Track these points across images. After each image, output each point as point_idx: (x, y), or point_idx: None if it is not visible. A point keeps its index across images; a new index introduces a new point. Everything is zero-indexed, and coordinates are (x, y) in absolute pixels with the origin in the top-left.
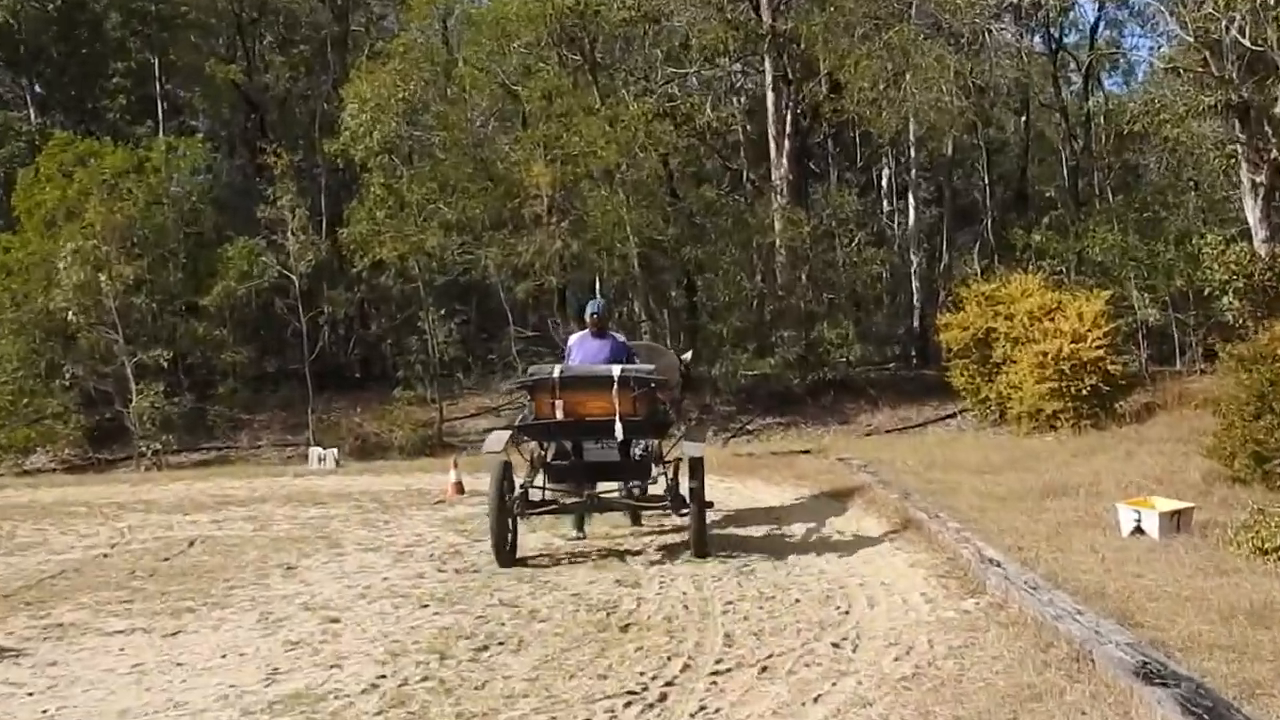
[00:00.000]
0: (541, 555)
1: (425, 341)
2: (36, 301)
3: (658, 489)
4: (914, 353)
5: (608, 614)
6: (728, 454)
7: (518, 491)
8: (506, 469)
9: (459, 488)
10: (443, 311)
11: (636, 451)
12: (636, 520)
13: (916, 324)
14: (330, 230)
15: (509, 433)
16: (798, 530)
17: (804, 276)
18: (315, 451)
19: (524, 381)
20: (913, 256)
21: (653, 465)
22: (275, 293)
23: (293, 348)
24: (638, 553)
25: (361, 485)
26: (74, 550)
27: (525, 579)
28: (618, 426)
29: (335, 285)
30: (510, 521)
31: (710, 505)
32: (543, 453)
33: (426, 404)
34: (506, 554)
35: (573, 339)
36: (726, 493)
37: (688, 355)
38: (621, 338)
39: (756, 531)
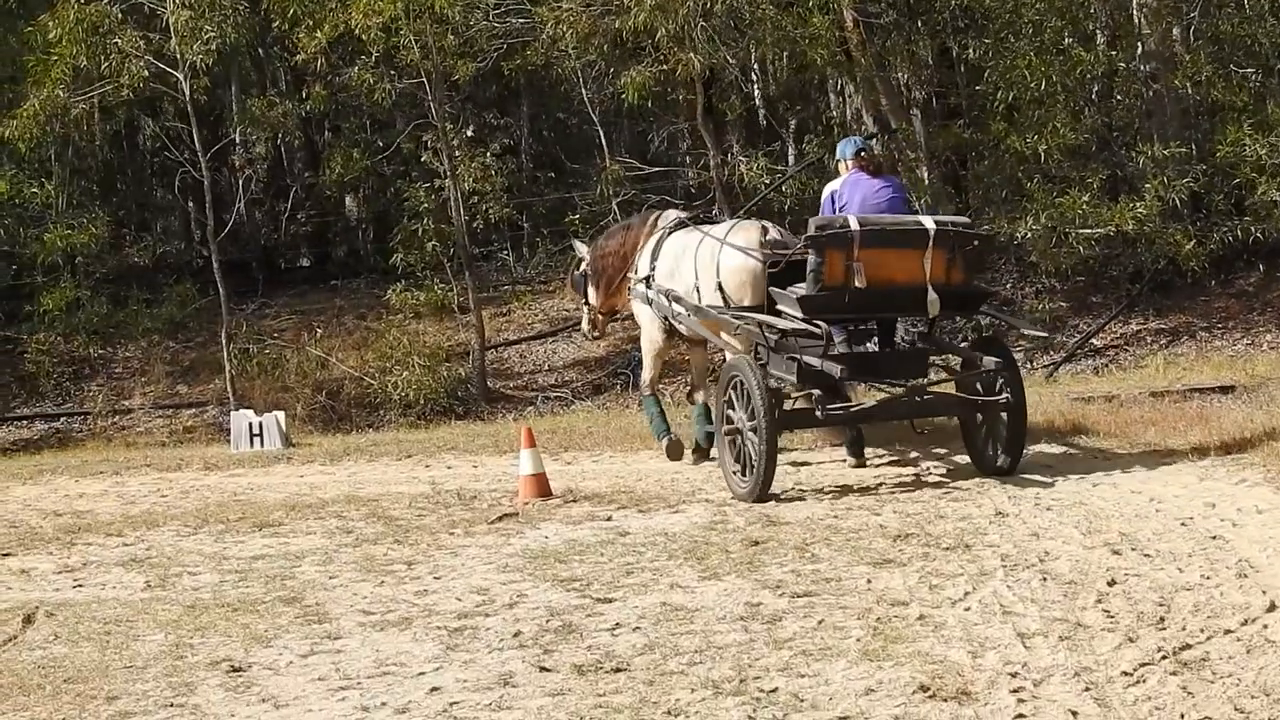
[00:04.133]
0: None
1: (440, 193)
2: None
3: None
4: None
5: None
6: (1059, 395)
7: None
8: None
9: (540, 485)
10: (469, 132)
11: (909, 335)
12: (859, 453)
13: None
14: None
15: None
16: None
17: (1188, 31)
18: (243, 419)
19: (817, 236)
20: None
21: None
22: (146, 109)
23: (178, 213)
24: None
25: (342, 482)
26: None
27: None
28: (932, 297)
29: (259, 89)
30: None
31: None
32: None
33: (451, 314)
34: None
35: (839, 182)
36: (1078, 480)
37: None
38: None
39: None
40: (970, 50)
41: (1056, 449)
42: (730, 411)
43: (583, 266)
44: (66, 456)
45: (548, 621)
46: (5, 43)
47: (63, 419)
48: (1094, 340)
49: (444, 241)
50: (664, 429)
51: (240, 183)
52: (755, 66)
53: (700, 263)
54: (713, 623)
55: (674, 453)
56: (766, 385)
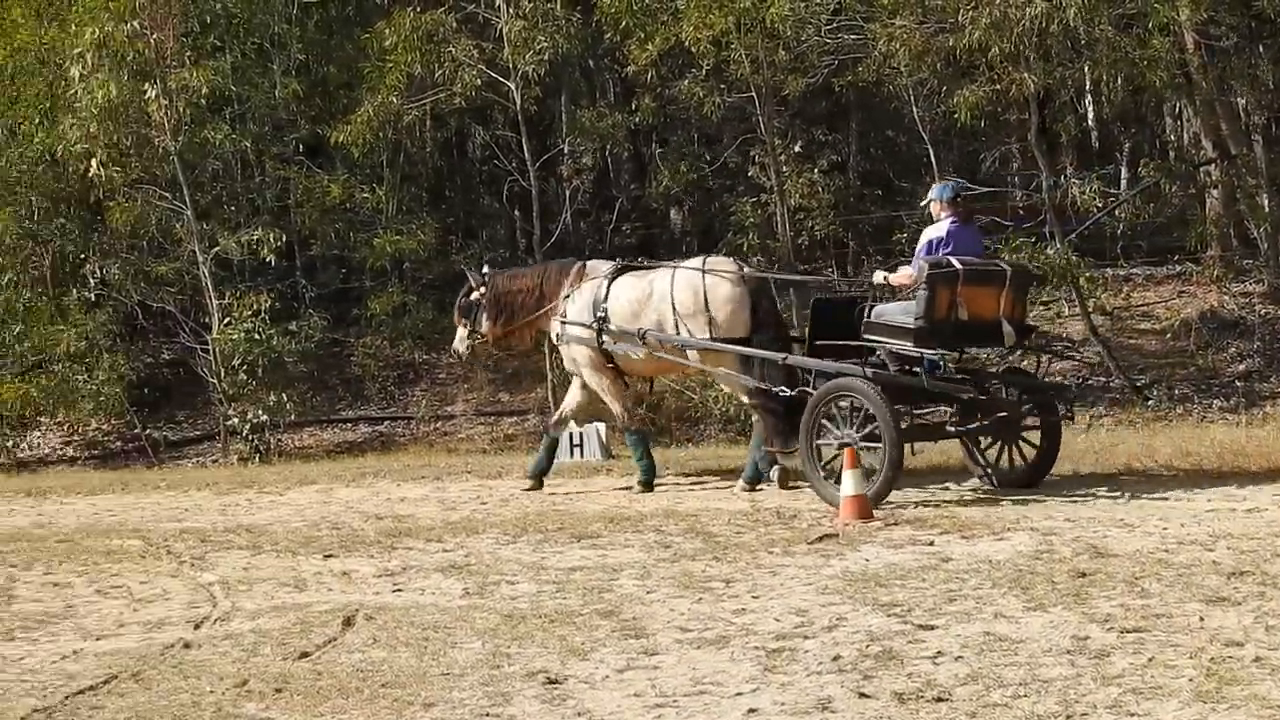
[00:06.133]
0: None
1: (766, 208)
2: (32, 140)
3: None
4: None
5: None
6: None
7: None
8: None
9: (861, 506)
10: (797, 148)
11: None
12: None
13: None
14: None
15: None
16: None
17: None
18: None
19: (933, 274)
20: None
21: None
22: (475, 117)
23: (504, 221)
24: None
25: (661, 496)
26: (125, 631)
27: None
28: (1007, 329)
29: (589, 100)
30: None
31: None
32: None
33: None
34: None
35: (937, 229)
36: None
37: None
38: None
39: None
40: None
41: None
42: (832, 428)
43: (473, 295)
44: (389, 460)
45: (867, 646)
46: (342, 49)
47: (386, 423)
48: None
49: (769, 257)
50: (649, 469)
51: (567, 193)
52: (1089, 87)
53: (679, 296)
54: (1038, 655)
55: (646, 488)
56: (891, 402)
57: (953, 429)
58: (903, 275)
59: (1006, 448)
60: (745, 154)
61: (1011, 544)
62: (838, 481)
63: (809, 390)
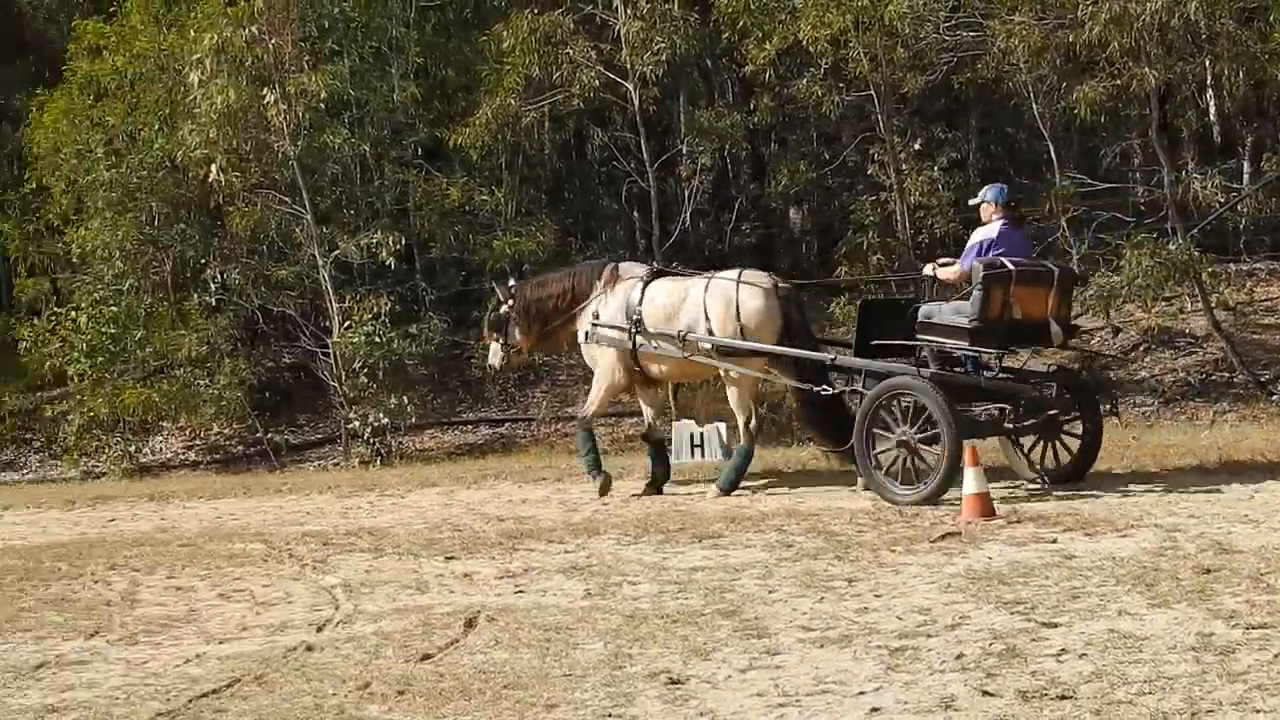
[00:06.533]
0: None
1: (885, 206)
2: (152, 146)
3: None
4: None
5: None
6: None
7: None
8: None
9: (983, 504)
10: (917, 145)
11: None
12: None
13: None
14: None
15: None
16: None
17: None
18: (685, 429)
19: (987, 274)
20: None
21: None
22: (593, 118)
23: (623, 222)
24: None
25: (782, 495)
26: (247, 635)
27: None
28: (1055, 329)
29: (707, 101)
30: None
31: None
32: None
33: None
34: None
35: (988, 230)
36: None
37: None
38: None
39: None
40: None
41: None
42: (894, 424)
43: (502, 309)
44: (510, 462)
45: (991, 644)
46: (460, 52)
47: (507, 425)
48: None
49: (889, 255)
50: (597, 465)
51: (686, 193)
52: (1210, 82)
53: (712, 304)
54: (1162, 652)
55: (606, 488)
56: (951, 402)
57: (1010, 426)
58: (948, 270)
59: (1048, 445)
60: (864, 152)
61: (1135, 541)
62: (891, 476)
63: (861, 390)
